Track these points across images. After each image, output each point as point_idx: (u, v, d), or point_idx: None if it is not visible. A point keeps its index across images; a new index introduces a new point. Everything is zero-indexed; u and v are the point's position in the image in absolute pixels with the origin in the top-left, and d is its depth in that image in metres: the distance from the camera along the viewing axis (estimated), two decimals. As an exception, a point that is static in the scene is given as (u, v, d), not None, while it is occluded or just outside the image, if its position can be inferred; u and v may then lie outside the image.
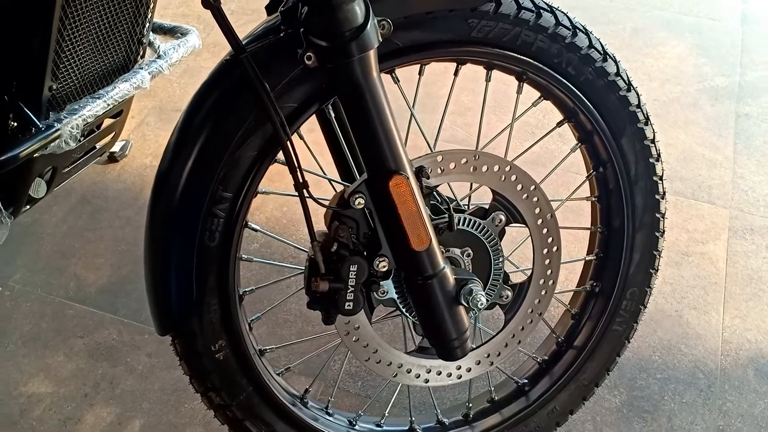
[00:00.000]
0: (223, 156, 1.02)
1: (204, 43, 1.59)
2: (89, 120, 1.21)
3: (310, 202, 1.03)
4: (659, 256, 1.30)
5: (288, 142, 1.00)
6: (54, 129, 1.14)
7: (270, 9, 1.08)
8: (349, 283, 1.07)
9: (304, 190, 1.02)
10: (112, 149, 1.92)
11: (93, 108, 1.21)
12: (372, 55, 0.95)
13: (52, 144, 1.14)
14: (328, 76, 0.98)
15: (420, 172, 1.06)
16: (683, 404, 1.53)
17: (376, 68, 0.97)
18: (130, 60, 1.32)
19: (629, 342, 1.35)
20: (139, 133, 2.03)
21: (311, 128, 1.14)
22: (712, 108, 2.16)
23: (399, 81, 1.11)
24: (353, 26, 0.93)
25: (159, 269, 1.07)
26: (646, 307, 1.33)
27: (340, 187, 1.25)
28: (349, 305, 1.08)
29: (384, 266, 1.07)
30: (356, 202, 1.04)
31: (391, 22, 0.99)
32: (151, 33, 1.37)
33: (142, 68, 1.33)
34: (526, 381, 1.36)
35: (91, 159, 1.43)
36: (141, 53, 1.35)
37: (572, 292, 1.37)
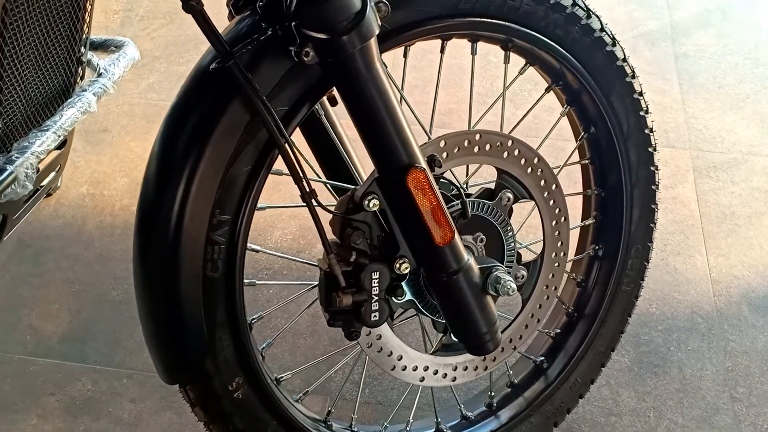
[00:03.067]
0: (218, 176, 0.91)
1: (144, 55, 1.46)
2: (41, 156, 1.07)
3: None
4: (657, 209, 1.29)
5: (290, 150, 0.90)
6: (8, 172, 1.00)
7: (237, 6, 0.96)
8: (373, 293, 0.99)
9: (313, 200, 0.92)
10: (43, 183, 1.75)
11: (44, 141, 1.07)
12: (373, 42, 0.87)
13: (8, 190, 1.00)
14: (328, 71, 0.89)
15: (432, 161, 0.98)
16: (690, 352, 1.52)
17: (378, 56, 0.89)
18: (71, 83, 1.18)
19: (637, 300, 1.32)
20: (68, 161, 1.86)
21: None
22: (650, 52, 2.17)
23: (387, 67, 1.03)
24: (352, 12, 0.84)
25: (161, 313, 0.95)
26: (649, 262, 1.31)
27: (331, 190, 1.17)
28: (375, 316, 1.00)
29: (406, 268, 1.00)
30: (371, 204, 0.95)
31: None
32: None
33: (85, 90, 1.19)
34: (543, 358, 1.32)
35: (38, 199, 1.29)
36: (81, 74, 1.21)
37: (572, 261, 1.33)
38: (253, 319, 1.06)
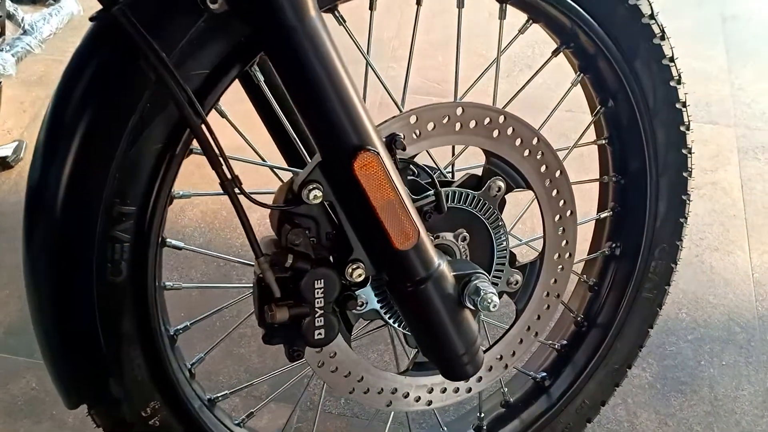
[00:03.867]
0: (112, 156, 0.72)
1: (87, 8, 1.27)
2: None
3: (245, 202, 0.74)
4: (689, 201, 1.09)
5: (203, 125, 0.71)
6: None
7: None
8: (317, 305, 0.79)
9: (236, 188, 0.73)
10: (3, 154, 1.60)
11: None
12: (307, -18, 0.66)
13: None
14: (247, 22, 0.68)
15: (393, 143, 0.78)
16: (723, 367, 1.33)
17: (314, 3, 0.68)
18: (-18, 40, 1.00)
19: (661, 309, 1.12)
20: (33, 130, 1.70)
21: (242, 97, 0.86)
22: (696, 14, 1.99)
23: (345, 21, 0.83)
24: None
25: (50, 324, 0.77)
26: (677, 264, 1.11)
27: (286, 176, 0.98)
28: (320, 333, 0.80)
29: (360, 274, 0.80)
30: (311, 196, 0.75)
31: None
32: (9, 3, 1.04)
33: (2, 49, 1.01)
34: (545, 374, 1.14)
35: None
36: (-1, 30, 1.03)
37: (584, 261, 1.13)
38: (178, 330, 0.88)
